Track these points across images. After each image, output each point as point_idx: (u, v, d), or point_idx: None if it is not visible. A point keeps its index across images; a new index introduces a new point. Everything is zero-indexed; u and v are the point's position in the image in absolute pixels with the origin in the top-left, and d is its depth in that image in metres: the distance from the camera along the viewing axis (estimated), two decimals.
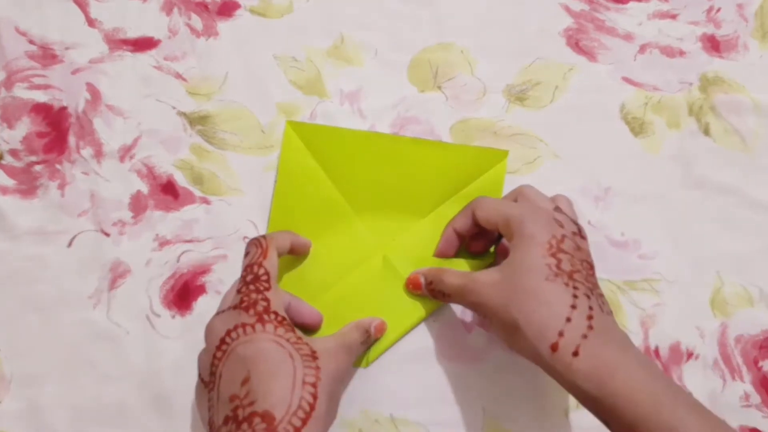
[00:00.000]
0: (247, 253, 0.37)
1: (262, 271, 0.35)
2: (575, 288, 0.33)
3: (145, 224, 0.43)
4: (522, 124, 0.47)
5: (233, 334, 0.32)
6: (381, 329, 0.40)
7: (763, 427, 0.40)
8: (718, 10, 0.50)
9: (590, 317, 0.32)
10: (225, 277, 0.42)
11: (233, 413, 0.30)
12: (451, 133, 0.46)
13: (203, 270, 0.42)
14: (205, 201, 0.44)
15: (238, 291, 0.35)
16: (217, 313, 0.35)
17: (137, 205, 0.43)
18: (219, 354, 0.32)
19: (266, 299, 0.34)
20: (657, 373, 0.31)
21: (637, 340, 0.42)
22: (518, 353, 0.34)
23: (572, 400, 0.41)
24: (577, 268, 0.34)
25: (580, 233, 0.36)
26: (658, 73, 0.48)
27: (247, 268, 0.35)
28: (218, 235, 0.43)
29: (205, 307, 0.42)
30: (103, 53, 0.47)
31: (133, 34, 0.48)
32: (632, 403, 0.30)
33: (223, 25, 0.48)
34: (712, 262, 0.44)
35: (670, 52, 0.49)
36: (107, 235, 0.43)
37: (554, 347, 0.31)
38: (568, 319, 0.32)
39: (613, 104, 0.47)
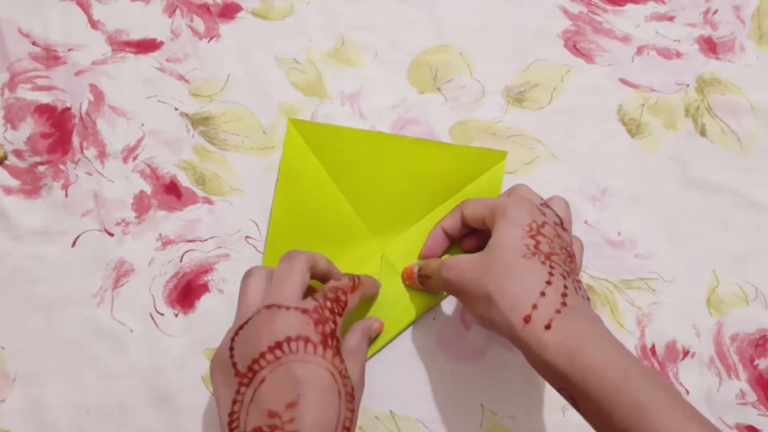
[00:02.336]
0: (338, 279, 0.36)
1: (344, 298, 0.35)
2: (551, 267, 0.33)
3: (148, 224, 0.43)
4: (520, 125, 0.47)
5: (293, 345, 0.31)
6: (379, 331, 0.41)
7: (759, 424, 0.41)
8: (715, 12, 0.51)
9: (564, 295, 0.32)
10: (228, 276, 0.43)
11: (269, 429, 0.30)
12: (451, 134, 0.47)
13: (206, 269, 0.43)
14: (208, 201, 0.44)
15: (314, 297, 0.34)
16: (277, 305, 0.32)
17: (140, 205, 0.44)
18: (270, 357, 0.31)
19: (336, 323, 0.33)
20: (626, 351, 0.31)
21: (633, 339, 0.42)
22: (491, 329, 0.34)
23: None
24: (555, 251, 0.34)
25: (561, 225, 0.36)
26: (655, 74, 0.49)
27: (334, 288, 0.35)
28: (221, 234, 0.43)
29: (208, 305, 0.42)
30: (105, 55, 0.47)
31: (135, 35, 0.48)
32: (601, 378, 0.29)
33: (224, 27, 0.49)
34: (708, 262, 0.44)
35: (667, 53, 0.49)
36: (111, 234, 0.43)
37: (527, 319, 0.31)
38: (542, 294, 0.32)
39: (610, 105, 0.48)
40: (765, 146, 0.47)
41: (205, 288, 0.42)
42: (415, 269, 0.41)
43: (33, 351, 0.41)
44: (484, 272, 0.33)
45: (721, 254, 0.45)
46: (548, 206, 0.37)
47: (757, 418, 0.41)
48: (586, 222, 0.45)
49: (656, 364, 0.42)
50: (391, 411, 0.41)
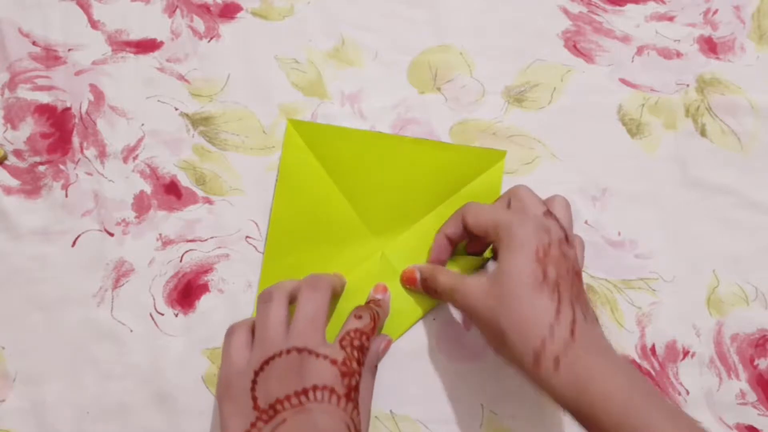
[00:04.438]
0: (359, 317, 0.37)
1: (368, 344, 0.36)
2: (560, 298, 0.33)
3: (148, 224, 0.43)
4: (520, 125, 0.47)
5: (319, 394, 0.32)
6: (387, 348, 0.40)
7: (759, 424, 0.41)
8: (715, 11, 0.51)
9: (573, 327, 0.32)
10: (227, 276, 0.43)
11: None
12: (451, 134, 0.47)
13: (206, 269, 0.43)
14: (208, 201, 0.44)
15: (342, 346, 0.34)
16: (308, 350, 0.33)
17: (140, 205, 0.44)
18: (295, 401, 0.32)
19: (359, 375, 0.34)
20: (635, 379, 0.32)
21: (633, 339, 0.42)
22: (502, 358, 0.35)
23: None
24: (562, 276, 0.34)
25: (567, 240, 0.36)
26: (656, 74, 0.49)
27: (357, 332, 0.35)
28: (221, 234, 0.43)
29: (208, 305, 0.42)
30: (106, 55, 0.47)
31: (135, 35, 0.48)
32: (607, 411, 0.30)
33: (225, 27, 0.49)
34: (708, 262, 0.45)
35: (667, 53, 0.49)
36: (111, 234, 0.43)
37: (537, 356, 0.32)
38: (551, 329, 0.32)
39: (610, 105, 0.48)
40: (765, 146, 0.47)
41: (205, 288, 0.42)
42: (417, 275, 0.41)
43: (33, 351, 0.41)
44: (496, 305, 0.34)
45: (721, 254, 0.45)
46: (551, 216, 0.37)
47: (757, 418, 0.41)
48: (586, 222, 0.45)
49: (656, 364, 0.42)
50: (391, 411, 0.41)
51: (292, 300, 0.36)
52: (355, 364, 0.34)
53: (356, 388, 0.33)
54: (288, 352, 0.33)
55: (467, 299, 0.36)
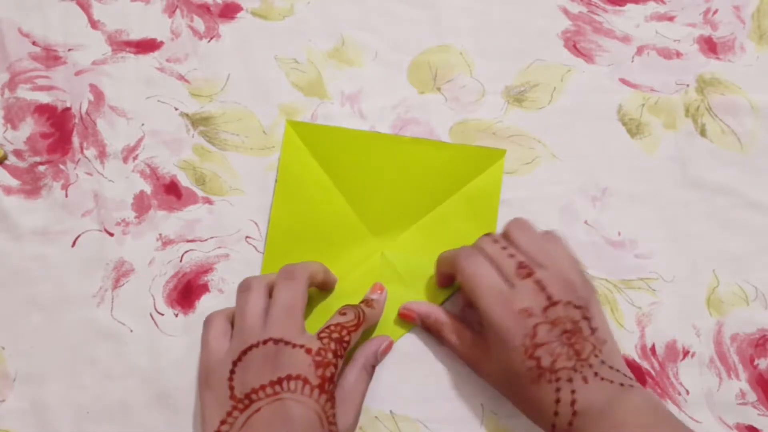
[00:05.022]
0: (343, 313, 0.37)
1: (348, 338, 0.36)
2: (557, 380, 0.34)
3: (148, 224, 0.43)
4: (520, 125, 0.47)
5: (292, 384, 0.33)
6: (388, 350, 0.40)
7: (759, 424, 0.41)
8: (715, 11, 0.51)
9: (573, 404, 0.33)
10: (228, 276, 0.43)
11: None
12: (451, 134, 0.47)
13: (206, 269, 0.43)
14: (208, 201, 0.44)
15: (320, 338, 0.35)
16: (284, 340, 0.34)
17: (140, 205, 0.44)
18: (269, 390, 0.32)
19: (336, 367, 0.34)
20: (637, 419, 0.33)
21: (633, 339, 0.42)
22: None
23: None
24: (557, 351, 0.34)
25: (551, 301, 0.35)
26: (656, 74, 0.49)
27: (338, 326, 0.36)
28: (221, 234, 0.43)
29: (208, 305, 0.42)
30: (106, 55, 0.47)
31: (135, 35, 0.48)
32: None
33: (224, 27, 0.49)
34: (708, 262, 0.45)
35: (667, 53, 0.49)
36: (111, 234, 0.43)
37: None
38: (555, 413, 0.34)
39: (610, 105, 0.48)
40: (765, 146, 0.47)
41: (205, 288, 0.42)
42: (416, 317, 0.41)
43: (33, 351, 0.41)
44: (504, 389, 0.37)
45: (721, 254, 0.45)
46: (535, 280, 0.36)
47: (757, 418, 0.41)
48: (586, 222, 0.45)
49: (656, 364, 0.42)
50: (391, 411, 0.41)
51: (272, 291, 0.37)
52: (330, 356, 0.34)
53: (331, 380, 0.34)
54: (265, 342, 0.34)
55: (478, 371, 0.39)
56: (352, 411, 0.35)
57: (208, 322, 0.37)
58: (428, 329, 0.41)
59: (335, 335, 0.35)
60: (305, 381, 0.33)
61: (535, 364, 0.34)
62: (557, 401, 0.34)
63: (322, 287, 0.41)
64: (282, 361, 0.33)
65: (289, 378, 0.33)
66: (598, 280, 0.44)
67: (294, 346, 0.34)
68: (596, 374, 0.34)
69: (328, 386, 0.33)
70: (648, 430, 0.32)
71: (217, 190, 0.45)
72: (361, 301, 0.40)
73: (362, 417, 0.40)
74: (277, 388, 0.32)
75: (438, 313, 0.41)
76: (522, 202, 0.45)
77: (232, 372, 0.33)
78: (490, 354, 0.37)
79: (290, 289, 0.36)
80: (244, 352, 0.34)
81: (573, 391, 0.34)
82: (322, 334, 0.35)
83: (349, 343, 0.36)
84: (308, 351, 0.34)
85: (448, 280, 0.42)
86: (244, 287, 0.37)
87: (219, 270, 0.43)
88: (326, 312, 0.40)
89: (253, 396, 0.32)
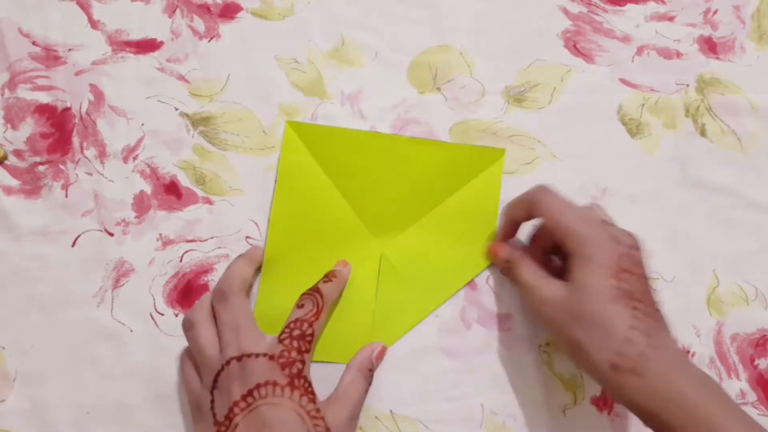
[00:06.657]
0: (301, 306, 0.37)
1: (309, 330, 0.36)
2: (635, 308, 0.34)
3: (148, 224, 0.43)
4: (520, 125, 0.47)
5: (263, 390, 0.33)
6: (382, 355, 0.40)
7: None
8: (715, 11, 0.51)
9: (648, 339, 0.33)
10: None
11: None
12: (451, 135, 0.47)
13: (206, 269, 0.43)
14: (208, 201, 0.44)
15: (281, 340, 0.35)
16: (246, 354, 0.34)
17: (140, 205, 0.44)
18: (243, 404, 0.33)
19: (303, 362, 0.35)
20: (713, 391, 0.33)
21: None
22: (581, 369, 0.37)
23: (571, 397, 0.41)
24: (636, 286, 0.35)
25: (636, 246, 0.37)
26: (655, 74, 0.49)
27: (297, 322, 0.36)
28: (221, 234, 0.43)
29: None
30: (106, 55, 0.47)
31: (135, 35, 0.48)
32: (687, 422, 0.31)
33: (224, 27, 0.49)
34: (708, 262, 0.45)
35: (667, 53, 0.49)
36: (111, 234, 0.43)
37: (614, 367, 0.33)
38: (628, 340, 0.33)
39: (610, 105, 0.48)
40: (765, 146, 0.47)
41: (205, 288, 0.42)
42: (503, 255, 0.41)
43: (33, 351, 0.41)
44: (573, 320, 0.35)
45: (721, 254, 0.45)
46: (612, 223, 0.38)
47: (757, 418, 0.41)
48: None
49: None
50: (391, 411, 0.41)
51: (215, 312, 0.38)
52: (294, 353, 0.35)
53: (299, 375, 0.34)
54: (227, 363, 0.35)
55: (543, 307, 0.37)
56: (346, 410, 0.35)
57: (180, 363, 0.39)
58: (507, 266, 0.41)
59: (296, 332, 0.35)
60: (274, 384, 0.33)
61: (616, 284, 0.34)
62: (632, 327, 0.33)
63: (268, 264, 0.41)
64: (248, 373, 0.34)
65: (258, 386, 0.33)
66: None
67: (256, 356, 0.34)
68: (664, 328, 0.35)
69: (298, 381, 0.34)
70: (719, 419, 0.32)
71: (217, 190, 0.45)
72: (315, 284, 0.40)
73: (362, 417, 0.40)
74: (249, 399, 0.33)
75: (523, 257, 0.41)
76: None
77: (212, 401, 0.34)
78: (571, 274, 0.36)
79: (227, 309, 0.37)
80: (215, 380, 0.35)
81: (649, 327, 0.33)
82: (283, 335, 0.35)
83: (313, 335, 0.36)
84: (271, 357, 0.34)
85: (514, 227, 0.42)
86: (188, 325, 0.38)
87: (219, 270, 0.43)
88: (331, 309, 0.41)
89: (230, 414, 0.33)
